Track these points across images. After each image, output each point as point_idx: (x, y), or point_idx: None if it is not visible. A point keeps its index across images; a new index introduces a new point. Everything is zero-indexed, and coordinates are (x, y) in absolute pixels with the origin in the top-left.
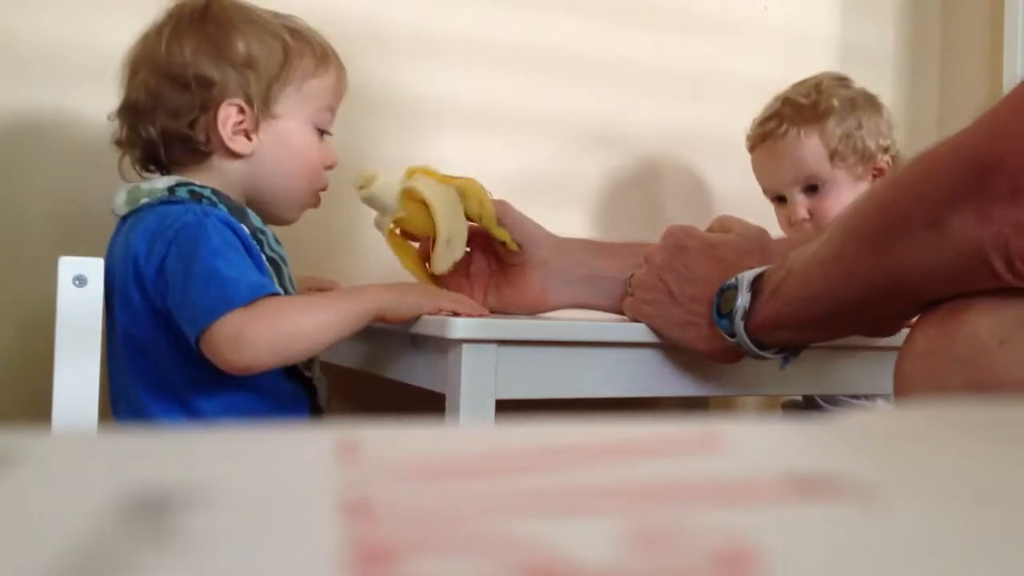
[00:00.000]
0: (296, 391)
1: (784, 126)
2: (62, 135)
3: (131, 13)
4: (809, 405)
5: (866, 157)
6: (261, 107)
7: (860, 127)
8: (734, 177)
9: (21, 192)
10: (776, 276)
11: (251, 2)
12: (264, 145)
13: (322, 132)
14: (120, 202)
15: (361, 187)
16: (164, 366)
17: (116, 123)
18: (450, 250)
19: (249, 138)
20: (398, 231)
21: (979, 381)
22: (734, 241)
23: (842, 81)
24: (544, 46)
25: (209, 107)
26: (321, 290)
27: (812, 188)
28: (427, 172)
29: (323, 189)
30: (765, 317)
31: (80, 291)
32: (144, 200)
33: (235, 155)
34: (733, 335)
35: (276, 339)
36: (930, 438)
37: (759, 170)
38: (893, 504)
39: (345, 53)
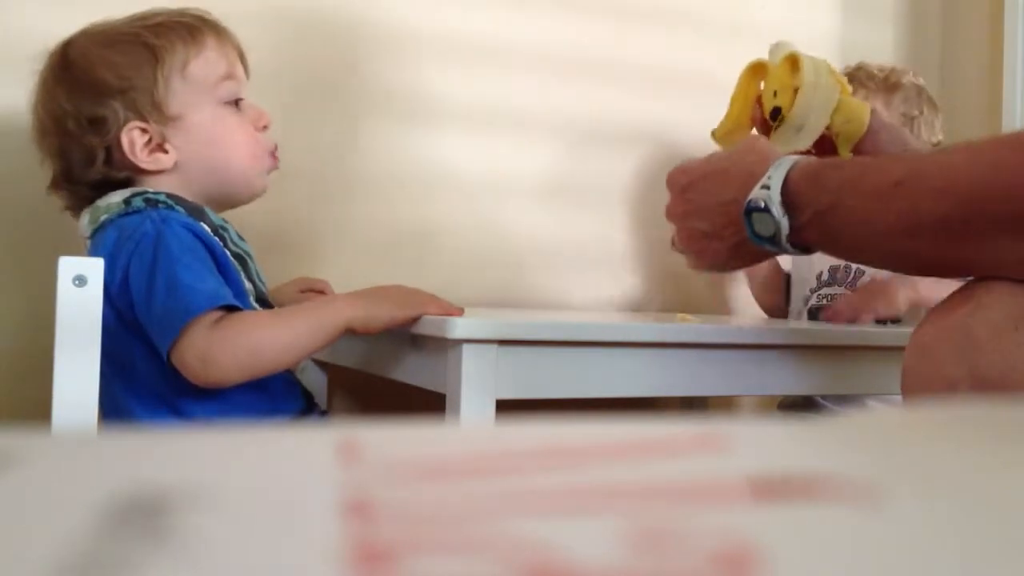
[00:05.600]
0: (289, 381)
1: (852, 85)
2: None
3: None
4: (808, 405)
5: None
6: (157, 117)
7: (921, 114)
8: None
9: (21, 192)
10: (819, 201)
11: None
12: (183, 150)
13: (236, 102)
14: (85, 223)
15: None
16: (148, 378)
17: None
18: (797, 138)
19: (165, 151)
20: (761, 84)
21: (994, 363)
22: (722, 154)
23: (915, 73)
24: (544, 46)
25: (111, 142)
26: (313, 291)
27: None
28: (834, 74)
29: (273, 151)
30: (810, 241)
31: (80, 291)
32: (104, 217)
33: (161, 172)
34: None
35: (241, 359)
36: (930, 438)
37: None
38: (893, 504)
39: (357, 53)
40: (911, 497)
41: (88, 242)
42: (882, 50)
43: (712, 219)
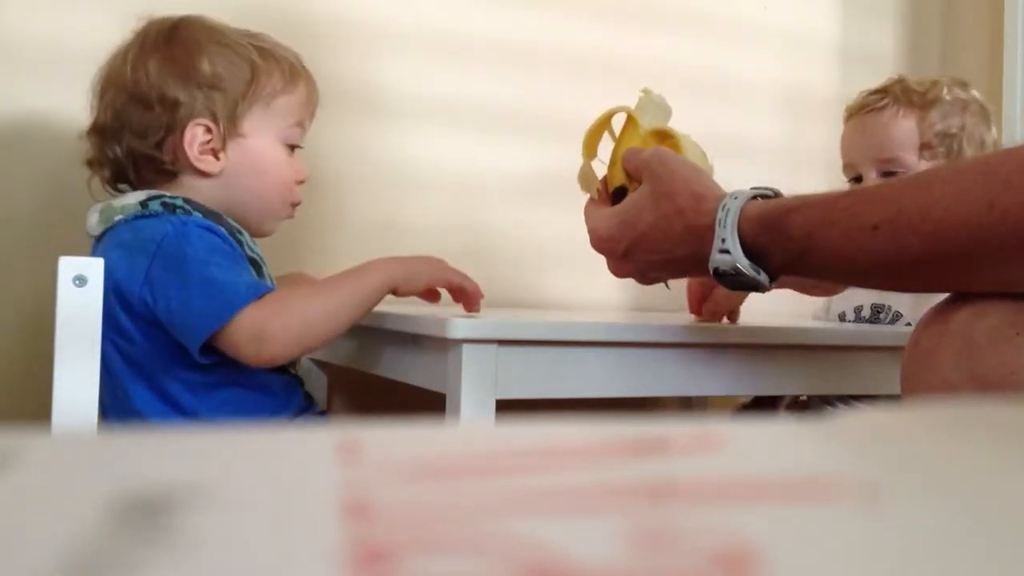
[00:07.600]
0: (290, 383)
1: (886, 100)
2: (62, 135)
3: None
4: (802, 406)
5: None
6: (228, 126)
7: (963, 129)
8: (734, 176)
9: (21, 192)
10: (786, 248)
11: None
12: (232, 163)
13: (292, 147)
14: (94, 222)
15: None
16: (159, 376)
17: (87, 143)
18: None
19: (217, 157)
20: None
21: (993, 368)
22: (636, 208)
23: (962, 84)
24: (542, 45)
25: (175, 127)
26: None
27: (891, 174)
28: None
29: (296, 203)
30: (792, 275)
31: (80, 291)
32: (118, 217)
33: (203, 174)
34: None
35: (296, 330)
36: (930, 438)
37: (845, 142)
38: (893, 504)
39: (333, 52)
40: (911, 497)
41: (94, 240)
42: (882, 50)
43: (671, 272)
